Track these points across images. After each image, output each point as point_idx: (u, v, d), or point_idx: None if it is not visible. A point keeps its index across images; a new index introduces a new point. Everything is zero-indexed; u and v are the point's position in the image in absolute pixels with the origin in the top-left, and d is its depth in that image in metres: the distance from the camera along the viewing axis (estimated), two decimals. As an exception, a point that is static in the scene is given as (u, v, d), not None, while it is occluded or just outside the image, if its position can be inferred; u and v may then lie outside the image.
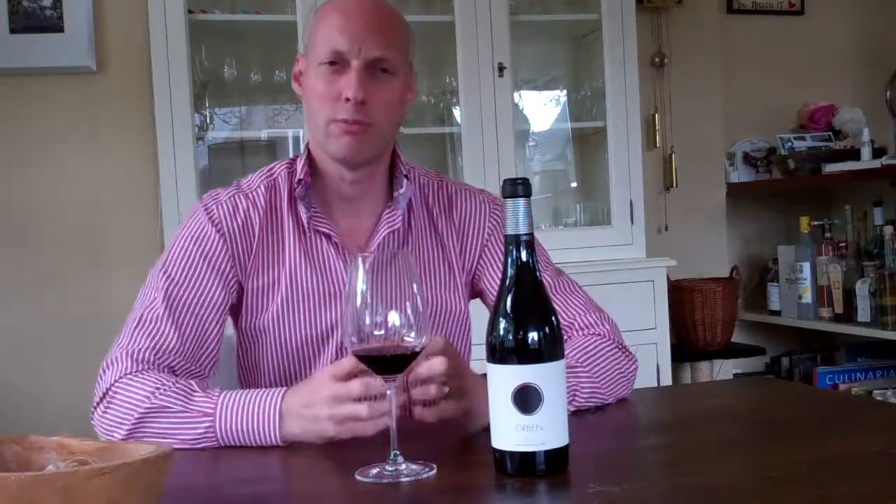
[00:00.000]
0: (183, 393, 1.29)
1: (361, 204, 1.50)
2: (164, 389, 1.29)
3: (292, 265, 1.45)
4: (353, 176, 1.46)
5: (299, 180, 1.46)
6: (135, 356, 1.34)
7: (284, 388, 1.28)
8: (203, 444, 1.27)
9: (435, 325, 1.48)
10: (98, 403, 1.32)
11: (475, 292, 1.58)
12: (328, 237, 1.47)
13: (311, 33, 1.46)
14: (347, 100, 1.38)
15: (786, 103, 3.79)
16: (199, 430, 1.27)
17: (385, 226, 1.48)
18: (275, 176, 1.50)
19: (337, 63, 1.40)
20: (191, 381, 1.32)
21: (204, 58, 3.02)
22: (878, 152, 3.35)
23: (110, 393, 1.30)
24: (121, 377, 1.31)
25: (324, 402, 1.21)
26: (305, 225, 1.46)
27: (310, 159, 1.49)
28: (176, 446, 1.25)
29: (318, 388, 1.23)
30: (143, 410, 1.27)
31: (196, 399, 1.28)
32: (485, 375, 1.29)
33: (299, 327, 1.46)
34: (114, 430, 1.29)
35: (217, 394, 1.29)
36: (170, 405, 1.28)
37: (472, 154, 3.05)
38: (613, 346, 1.45)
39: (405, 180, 1.50)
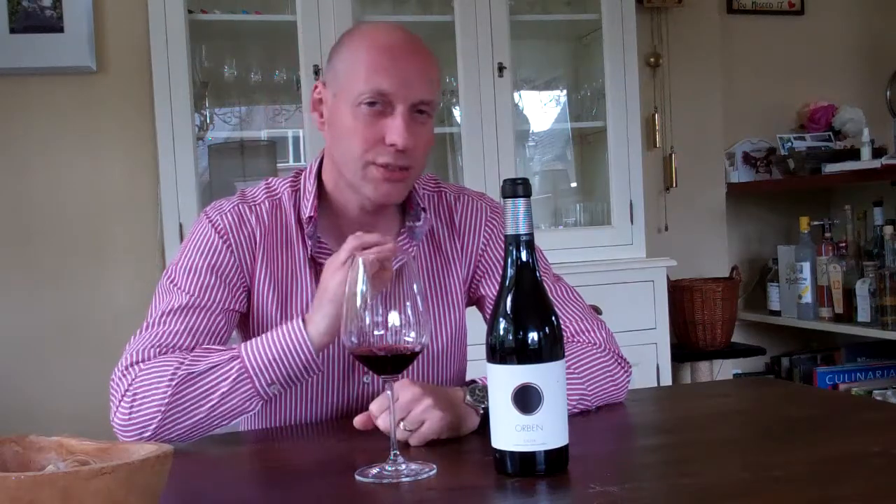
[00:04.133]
0: (203, 354, 1.32)
1: (374, 230, 1.47)
2: (182, 359, 1.31)
3: (308, 294, 1.45)
4: (375, 210, 1.46)
5: (309, 217, 1.44)
6: (143, 354, 1.34)
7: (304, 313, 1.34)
8: (240, 392, 1.28)
9: (432, 340, 1.48)
10: (117, 410, 1.31)
11: (473, 300, 1.58)
12: None
13: (343, 66, 1.40)
14: (392, 145, 1.36)
15: (786, 103, 3.80)
16: (233, 376, 1.29)
17: (400, 257, 1.46)
18: (279, 195, 1.48)
19: (378, 103, 1.37)
20: (206, 346, 1.35)
21: (204, 58, 3.02)
22: (878, 152, 3.35)
23: (129, 394, 1.30)
24: (135, 378, 1.31)
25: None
26: (312, 258, 1.46)
27: (319, 186, 1.47)
28: (216, 407, 1.28)
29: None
30: (170, 392, 1.28)
31: (218, 351, 1.32)
32: (468, 383, 1.30)
33: None
34: (146, 424, 1.29)
35: (238, 344, 1.34)
36: (194, 370, 1.30)
37: (472, 154, 3.05)
38: (607, 354, 1.45)
39: (423, 213, 1.49)
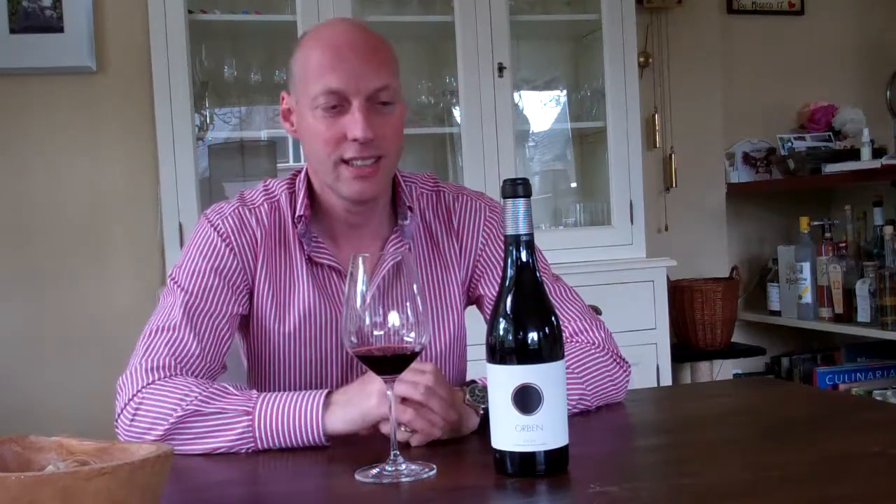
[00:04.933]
0: (218, 395, 1.29)
1: (365, 229, 1.49)
2: (197, 393, 1.28)
3: (305, 293, 1.45)
4: (359, 209, 1.46)
5: (299, 216, 1.45)
6: (155, 364, 1.33)
7: (328, 389, 1.29)
8: (239, 447, 1.26)
9: (431, 340, 1.48)
10: (121, 414, 1.31)
11: (472, 299, 1.58)
12: (331, 267, 1.47)
13: (297, 71, 1.42)
14: (355, 139, 1.36)
15: (786, 103, 3.80)
16: (238, 430, 1.26)
17: (391, 257, 1.46)
18: (277, 197, 1.49)
19: (334, 102, 1.37)
20: (224, 384, 1.32)
21: (204, 58, 3.01)
22: (878, 152, 3.35)
23: (134, 402, 1.30)
24: (144, 386, 1.31)
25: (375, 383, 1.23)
26: (307, 258, 1.46)
27: (309, 188, 1.48)
28: (214, 450, 1.26)
29: (367, 381, 1.25)
30: (176, 417, 1.27)
31: (233, 399, 1.29)
32: (467, 384, 1.30)
33: (311, 346, 1.47)
34: (144, 436, 1.28)
35: (255, 395, 1.29)
36: (203, 409, 1.27)
37: (472, 154, 3.05)
38: (605, 353, 1.45)
39: (409, 212, 1.50)
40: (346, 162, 1.38)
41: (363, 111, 1.36)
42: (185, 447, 1.27)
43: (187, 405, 1.27)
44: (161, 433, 1.27)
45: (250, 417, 1.27)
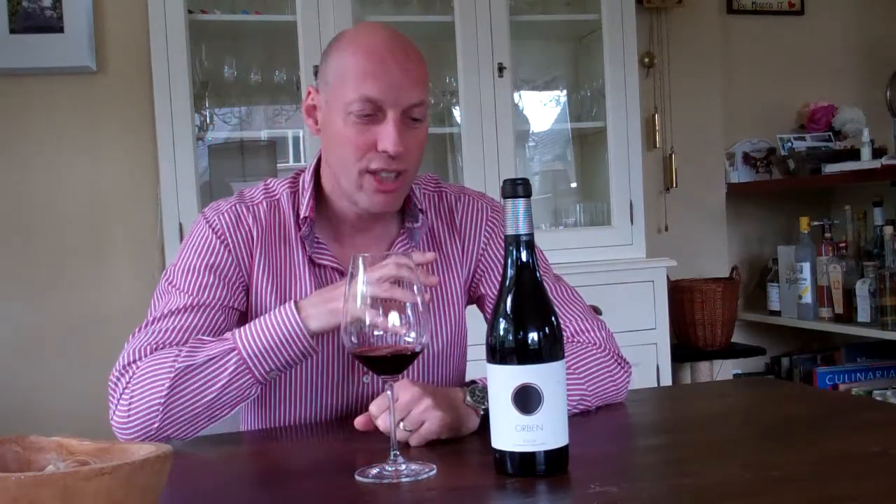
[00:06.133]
0: (198, 347, 1.32)
1: (372, 232, 1.49)
2: (179, 354, 1.31)
3: (306, 292, 1.45)
4: (373, 219, 1.47)
5: (304, 218, 1.45)
6: (139, 353, 1.34)
7: (296, 299, 1.34)
8: (239, 383, 1.29)
9: (432, 340, 1.48)
10: (116, 408, 1.32)
11: (473, 299, 1.58)
12: (333, 268, 1.47)
13: (333, 70, 1.39)
14: (385, 151, 1.36)
15: (786, 103, 3.80)
16: (231, 368, 1.29)
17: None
18: (277, 196, 1.49)
19: (368, 111, 1.36)
20: (199, 337, 1.35)
21: (204, 58, 3.01)
22: (877, 152, 3.35)
23: (127, 392, 1.31)
24: (132, 376, 1.31)
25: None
26: (310, 258, 1.46)
27: (316, 187, 1.47)
28: (216, 399, 1.29)
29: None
30: (168, 385, 1.28)
31: (214, 344, 1.32)
32: (468, 384, 1.30)
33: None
34: (146, 421, 1.29)
35: (229, 333, 1.33)
36: (192, 362, 1.30)
37: (472, 154, 3.05)
38: (607, 354, 1.45)
39: (420, 214, 1.50)
40: (370, 172, 1.38)
41: (397, 124, 1.36)
42: (191, 408, 1.29)
43: (176, 364, 1.29)
44: (163, 405, 1.28)
45: (236, 351, 1.30)
